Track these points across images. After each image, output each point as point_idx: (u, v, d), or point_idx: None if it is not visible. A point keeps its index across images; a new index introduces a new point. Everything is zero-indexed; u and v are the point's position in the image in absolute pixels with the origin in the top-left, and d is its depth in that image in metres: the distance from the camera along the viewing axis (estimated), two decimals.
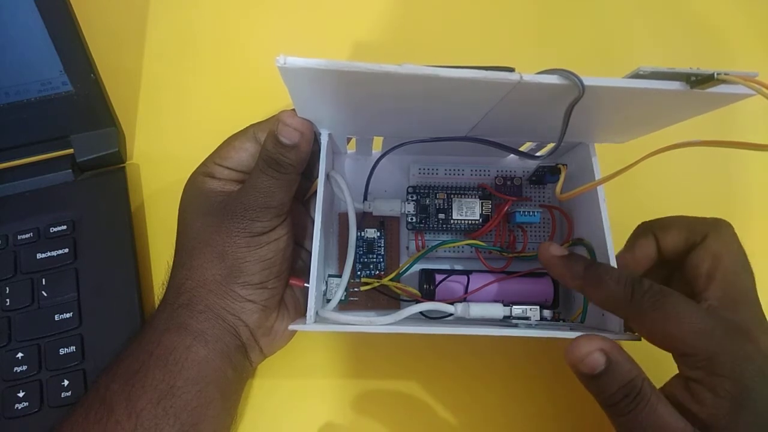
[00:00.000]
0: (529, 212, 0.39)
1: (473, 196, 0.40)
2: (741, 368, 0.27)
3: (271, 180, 0.33)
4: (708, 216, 0.35)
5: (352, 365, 0.41)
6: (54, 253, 0.40)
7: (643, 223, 0.37)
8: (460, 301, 0.35)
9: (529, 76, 0.26)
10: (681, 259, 0.34)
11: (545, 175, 0.39)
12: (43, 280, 0.39)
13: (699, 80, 0.26)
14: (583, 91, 0.26)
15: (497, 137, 0.36)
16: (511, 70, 0.26)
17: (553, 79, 0.26)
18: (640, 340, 0.33)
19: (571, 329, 0.33)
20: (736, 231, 0.33)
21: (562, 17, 0.54)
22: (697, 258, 0.32)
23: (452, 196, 0.40)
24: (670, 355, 0.30)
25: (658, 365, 0.41)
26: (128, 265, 0.40)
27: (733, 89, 0.27)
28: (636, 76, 0.26)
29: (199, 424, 0.31)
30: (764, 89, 0.24)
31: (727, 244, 0.32)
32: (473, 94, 0.28)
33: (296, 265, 0.39)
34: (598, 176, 0.36)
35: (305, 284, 0.34)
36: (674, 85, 0.27)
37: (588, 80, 0.26)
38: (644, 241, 0.35)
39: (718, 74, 0.25)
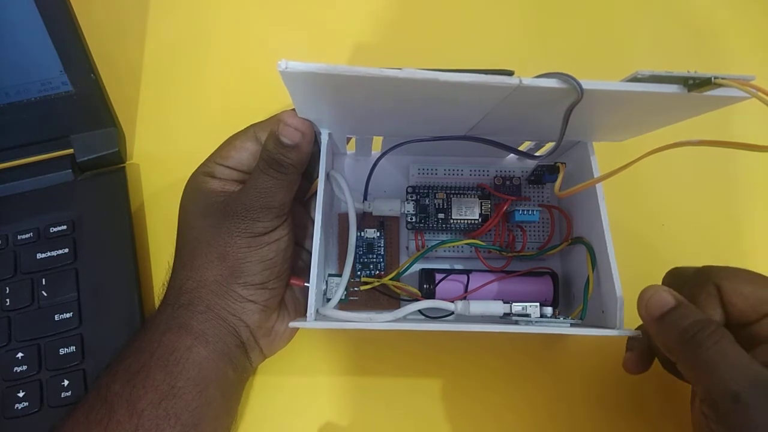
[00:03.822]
0: (528, 211, 0.39)
1: (472, 196, 0.40)
2: None
3: (272, 180, 0.33)
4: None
5: (352, 363, 0.41)
6: (54, 253, 0.40)
7: (686, 271, 0.33)
8: (461, 300, 0.35)
9: (528, 80, 0.26)
10: (747, 322, 0.31)
11: (544, 174, 0.40)
12: (43, 280, 0.39)
13: (696, 84, 0.26)
14: (581, 95, 0.26)
15: (496, 137, 0.36)
16: (510, 73, 0.26)
17: (552, 83, 0.26)
18: (641, 336, 0.33)
19: (572, 326, 0.34)
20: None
21: (561, 19, 0.54)
22: None
23: (451, 195, 0.40)
24: None
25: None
26: (128, 265, 0.40)
27: (730, 92, 0.27)
28: (634, 79, 0.27)
29: (200, 425, 0.32)
30: (760, 93, 0.25)
31: None
32: (473, 97, 0.28)
33: (296, 266, 0.39)
34: (596, 174, 0.36)
35: (305, 284, 0.34)
36: (672, 89, 0.27)
37: (587, 84, 0.26)
38: (710, 301, 0.31)
39: (715, 78, 0.25)
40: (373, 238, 0.40)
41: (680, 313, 0.29)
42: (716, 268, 0.32)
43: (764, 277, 0.31)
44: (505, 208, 0.40)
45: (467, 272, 0.39)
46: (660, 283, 0.35)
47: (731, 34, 0.54)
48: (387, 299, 0.40)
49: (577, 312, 0.36)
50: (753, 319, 0.30)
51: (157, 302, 0.36)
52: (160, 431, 0.30)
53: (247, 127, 0.36)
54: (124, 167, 0.45)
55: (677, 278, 0.34)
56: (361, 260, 0.40)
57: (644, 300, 0.30)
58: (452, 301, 0.35)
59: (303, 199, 0.42)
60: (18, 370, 0.37)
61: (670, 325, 0.29)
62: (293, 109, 0.33)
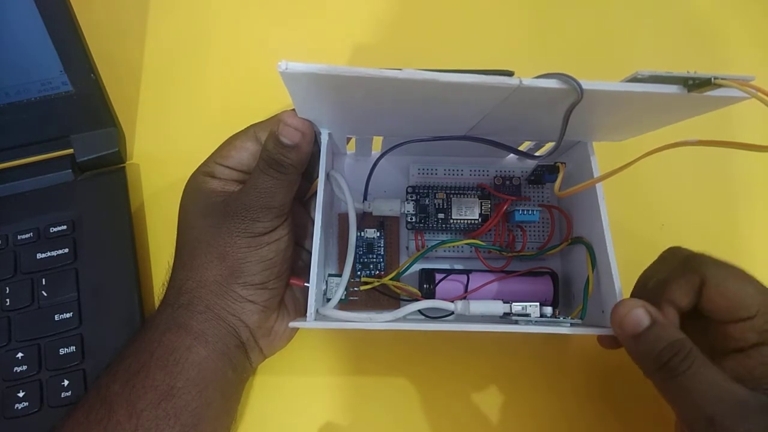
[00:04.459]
0: (528, 211, 0.39)
1: (472, 196, 0.40)
2: None
3: (272, 180, 0.33)
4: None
5: (352, 364, 0.41)
6: (54, 253, 0.40)
7: (681, 252, 0.33)
8: (461, 300, 0.35)
9: (529, 81, 0.26)
10: (720, 320, 0.30)
11: (544, 174, 0.40)
12: (43, 280, 0.39)
13: (696, 84, 0.26)
14: (581, 95, 0.26)
15: (496, 137, 0.36)
16: (510, 73, 0.26)
17: (552, 84, 0.26)
18: None
19: (572, 326, 0.34)
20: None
21: (561, 19, 0.54)
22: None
23: (451, 195, 0.40)
24: None
25: None
26: (128, 265, 0.40)
27: (729, 93, 0.27)
28: (634, 79, 0.27)
29: (200, 425, 0.32)
30: (760, 93, 0.25)
31: None
32: (473, 98, 0.28)
33: (296, 266, 0.39)
34: (596, 174, 0.36)
35: (305, 284, 0.34)
36: (672, 89, 0.27)
37: (587, 84, 0.26)
38: (686, 287, 0.30)
39: (715, 78, 0.25)
40: (373, 238, 0.40)
41: (654, 335, 0.28)
42: (708, 260, 0.31)
43: (754, 281, 0.30)
44: (505, 208, 0.40)
45: (467, 272, 0.39)
46: (656, 260, 0.34)
47: (731, 34, 0.54)
48: (387, 299, 0.40)
49: (577, 312, 0.36)
50: (727, 320, 0.30)
51: (157, 302, 0.36)
52: (160, 431, 0.30)
53: (247, 127, 0.36)
54: (124, 167, 0.45)
55: (672, 257, 0.33)
56: (361, 260, 0.40)
57: (618, 317, 0.30)
58: (452, 301, 0.35)
59: (303, 199, 0.42)
60: (18, 370, 0.37)
61: (644, 346, 0.29)
62: (293, 109, 0.33)
